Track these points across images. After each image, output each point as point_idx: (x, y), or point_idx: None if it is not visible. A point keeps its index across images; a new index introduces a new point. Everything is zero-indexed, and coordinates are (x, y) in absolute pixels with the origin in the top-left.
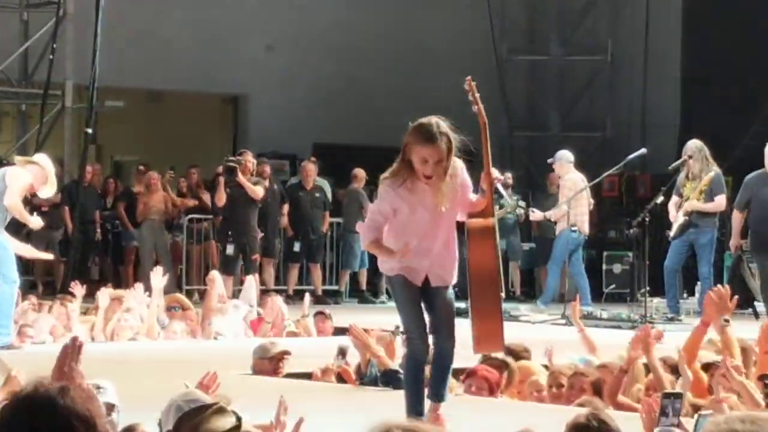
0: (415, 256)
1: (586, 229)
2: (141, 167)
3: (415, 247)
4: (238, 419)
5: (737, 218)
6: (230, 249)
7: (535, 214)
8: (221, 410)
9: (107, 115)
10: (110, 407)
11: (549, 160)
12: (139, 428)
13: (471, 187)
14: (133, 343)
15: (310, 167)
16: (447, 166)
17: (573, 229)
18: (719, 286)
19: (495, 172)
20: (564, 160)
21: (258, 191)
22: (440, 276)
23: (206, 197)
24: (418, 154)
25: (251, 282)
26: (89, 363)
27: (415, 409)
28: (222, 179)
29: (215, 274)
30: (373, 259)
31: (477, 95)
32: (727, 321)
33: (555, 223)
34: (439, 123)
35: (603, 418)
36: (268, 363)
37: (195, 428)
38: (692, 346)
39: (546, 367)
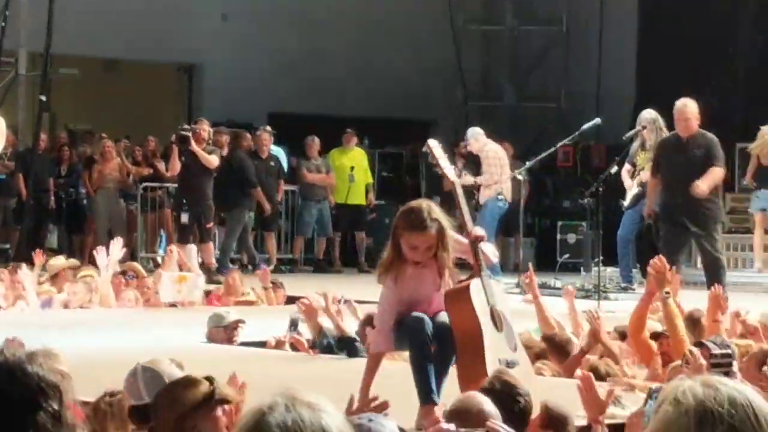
0: None
1: (509, 197)
2: (103, 135)
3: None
4: (210, 382)
5: (651, 184)
6: (184, 217)
7: (465, 178)
8: (193, 381)
9: (61, 83)
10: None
11: (462, 144)
12: (119, 394)
13: (458, 237)
14: (87, 310)
15: (265, 136)
16: (439, 252)
17: (500, 197)
18: (657, 258)
19: (477, 230)
20: (476, 135)
21: (212, 160)
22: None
23: (161, 166)
24: (407, 240)
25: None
26: (42, 330)
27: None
28: (176, 148)
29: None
30: (330, 228)
31: (438, 158)
32: (667, 293)
33: (477, 191)
34: (431, 208)
35: (506, 380)
36: (223, 332)
37: (173, 403)
38: (639, 316)
39: None
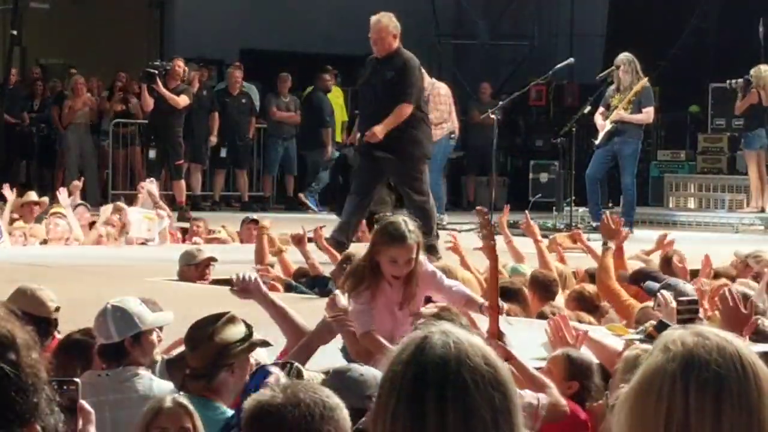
0: None
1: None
2: (73, 71)
3: None
4: (249, 328)
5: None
6: (152, 154)
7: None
8: (233, 319)
9: (32, 17)
10: None
11: None
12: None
13: (440, 275)
14: (60, 247)
15: (237, 73)
16: (415, 265)
17: (452, 136)
18: (605, 213)
19: (503, 305)
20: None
21: (178, 101)
22: None
23: (134, 102)
24: (386, 254)
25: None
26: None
27: None
28: (144, 86)
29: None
30: (301, 167)
31: (491, 228)
32: (605, 245)
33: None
34: (407, 221)
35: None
36: (195, 270)
37: (209, 338)
38: (601, 268)
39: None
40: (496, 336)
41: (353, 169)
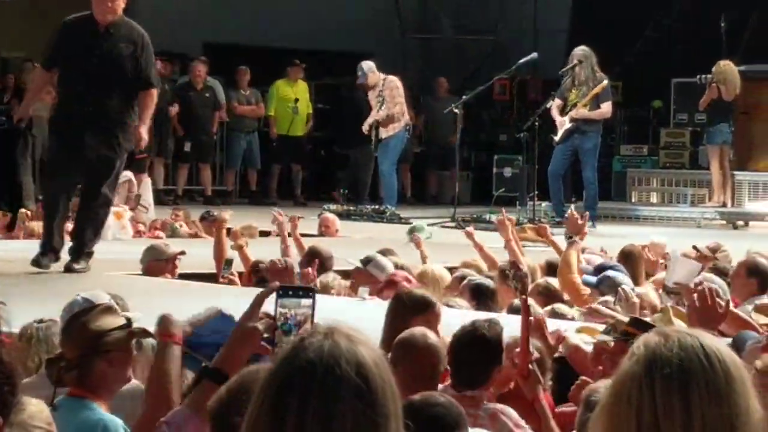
0: None
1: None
2: (36, 64)
3: None
4: (128, 320)
5: None
6: None
7: (380, 113)
8: (110, 309)
9: None
10: None
11: (359, 81)
12: (48, 321)
13: None
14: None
15: (200, 67)
16: None
17: (407, 129)
18: (571, 208)
19: (533, 352)
20: (372, 68)
21: None
22: None
23: None
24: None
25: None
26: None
27: None
28: None
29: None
30: (264, 161)
31: (526, 282)
32: (570, 238)
33: (378, 127)
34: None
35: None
36: (164, 264)
37: (84, 327)
38: (567, 259)
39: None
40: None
41: None
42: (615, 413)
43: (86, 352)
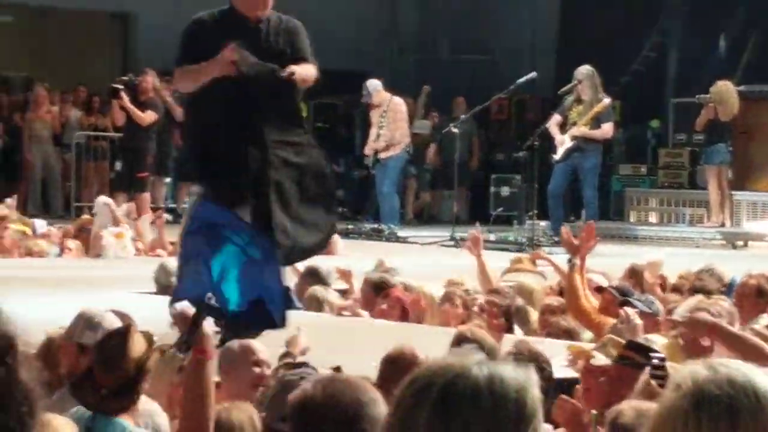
0: None
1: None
2: (39, 84)
3: None
4: (150, 336)
5: None
6: (118, 165)
7: (379, 143)
8: (135, 331)
9: None
10: None
11: (363, 99)
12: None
13: None
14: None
15: None
16: None
17: (408, 150)
18: (564, 228)
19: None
20: (377, 87)
21: (143, 117)
22: None
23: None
24: None
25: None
26: None
27: None
28: (114, 101)
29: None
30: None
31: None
32: (569, 261)
33: (381, 150)
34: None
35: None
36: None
37: (125, 356)
38: (569, 288)
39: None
40: None
41: None
42: None
43: (128, 379)
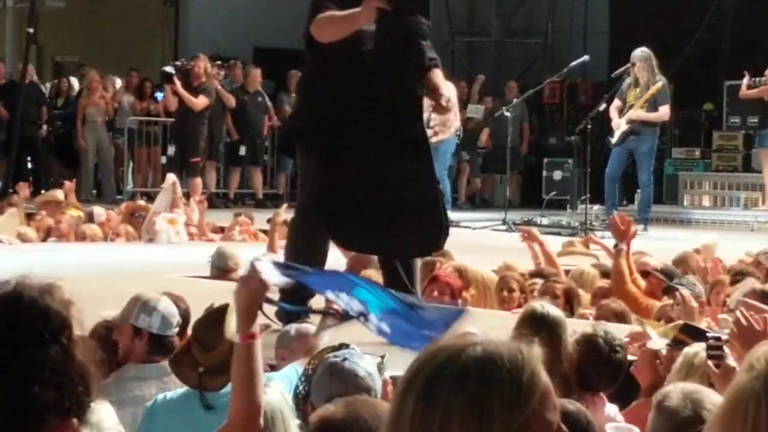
0: None
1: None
2: (89, 69)
3: None
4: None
5: None
6: (170, 150)
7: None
8: (229, 311)
9: (48, 15)
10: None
11: None
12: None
13: None
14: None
15: (256, 72)
16: None
17: (458, 133)
18: (614, 214)
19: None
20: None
21: (195, 102)
22: None
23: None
24: None
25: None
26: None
27: None
28: (167, 86)
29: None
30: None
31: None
32: (616, 247)
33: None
34: None
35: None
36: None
37: (221, 336)
38: (615, 272)
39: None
40: None
41: None
42: (729, 428)
43: (224, 359)
